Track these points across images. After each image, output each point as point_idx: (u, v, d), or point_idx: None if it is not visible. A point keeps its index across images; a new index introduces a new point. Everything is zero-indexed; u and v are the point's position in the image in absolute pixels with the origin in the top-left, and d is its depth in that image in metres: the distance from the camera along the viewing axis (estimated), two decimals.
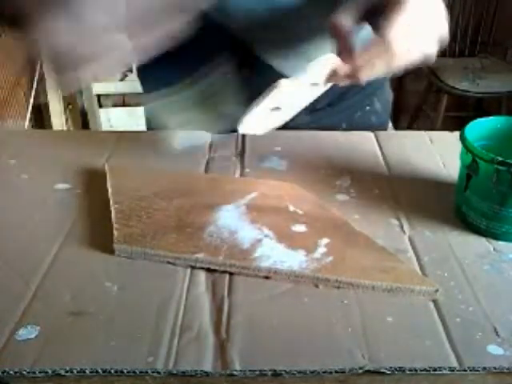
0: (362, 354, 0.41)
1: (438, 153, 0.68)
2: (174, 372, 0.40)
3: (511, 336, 0.43)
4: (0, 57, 1.57)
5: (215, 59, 0.64)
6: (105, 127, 2.43)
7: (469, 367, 0.40)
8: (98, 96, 2.46)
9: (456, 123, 1.87)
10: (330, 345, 0.42)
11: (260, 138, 0.71)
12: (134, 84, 2.33)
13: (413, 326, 0.44)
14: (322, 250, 0.51)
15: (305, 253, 0.50)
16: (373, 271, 0.49)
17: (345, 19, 0.53)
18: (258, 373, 0.40)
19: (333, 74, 0.54)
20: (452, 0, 2.18)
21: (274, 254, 0.50)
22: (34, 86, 2.29)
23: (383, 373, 0.40)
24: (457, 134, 0.56)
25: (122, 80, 2.39)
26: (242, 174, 0.65)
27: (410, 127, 2.38)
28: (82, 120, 2.40)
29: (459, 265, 0.51)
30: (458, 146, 0.55)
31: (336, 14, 0.53)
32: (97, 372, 0.40)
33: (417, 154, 0.68)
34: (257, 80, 0.58)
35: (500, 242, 0.53)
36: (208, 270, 0.49)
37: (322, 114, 0.77)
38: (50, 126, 2.04)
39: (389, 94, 0.86)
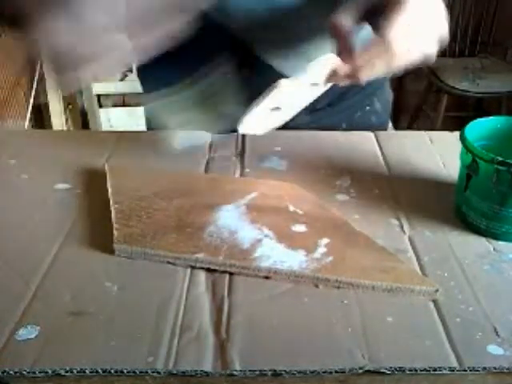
0: (362, 354, 0.41)
1: (438, 153, 0.68)
2: (174, 372, 0.40)
3: (511, 336, 0.43)
4: (0, 57, 1.57)
5: (215, 59, 0.64)
6: (105, 127, 2.43)
7: (469, 367, 0.40)
8: (98, 96, 2.46)
9: (456, 123, 1.87)
10: (329, 345, 0.42)
11: (260, 137, 0.71)
12: (134, 84, 2.33)
13: (413, 326, 0.44)
14: (321, 249, 0.51)
15: (305, 253, 0.50)
16: (373, 271, 0.49)
17: (345, 19, 0.53)
18: (258, 373, 0.40)
19: (333, 74, 0.53)
20: (452, 0, 2.18)
21: (274, 254, 0.50)
22: (34, 86, 2.29)
23: (383, 373, 0.40)
24: (457, 134, 0.56)
25: (121, 80, 2.39)
26: (242, 174, 0.65)
27: (409, 127, 2.38)
28: (82, 120, 2.40)
29: (459, 265, 0.51)
30: (458, 146, 0.55)
31: (336, 13, 0.53)
32: (97, 372, 0.40)
33: (417, 154, 0.68)
34: (257, 80, 0.58)
35: (500, 242, 0.53)
36: (208, 270, 0.49)
37: (322, 114, 0.77)
38: (50, 126, 2.04)
39: (389, 94, 0.86)
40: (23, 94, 1.79)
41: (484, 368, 0.40)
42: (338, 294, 0.47)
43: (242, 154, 0.68)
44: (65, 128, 2.10)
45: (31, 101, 1.83)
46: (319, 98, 0.63)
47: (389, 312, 0.45)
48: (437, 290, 0.47)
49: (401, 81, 2.38)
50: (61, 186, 0.62)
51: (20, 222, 0.56)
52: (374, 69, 0.52)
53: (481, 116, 0.58)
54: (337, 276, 0.48)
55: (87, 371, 0.40)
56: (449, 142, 0.70)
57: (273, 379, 0.40)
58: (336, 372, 0.40)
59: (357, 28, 0.54)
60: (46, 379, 0.40)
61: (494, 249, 0.53)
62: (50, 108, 2.03)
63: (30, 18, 0.47)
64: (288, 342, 0.43)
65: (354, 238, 0.53)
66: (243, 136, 0.72)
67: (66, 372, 0.40)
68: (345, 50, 0.53)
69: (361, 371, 0.40)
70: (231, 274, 0.49)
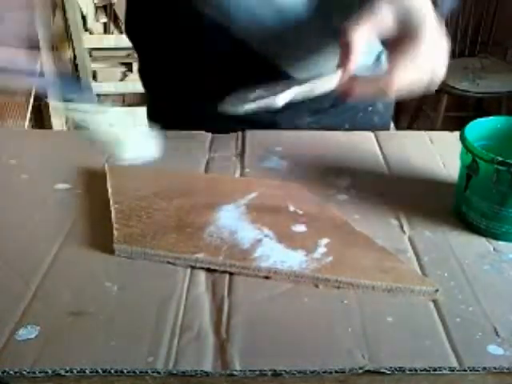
0: (362, 354, 0.41)
1: (438, 153, 0.68)
2: (174, 372, 0.40)
3: (511, 336, 0.43)
4: None
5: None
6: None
7: (469, 367, 0.40)
8: (98, 96, 2.46)
9: (456, 123, 1.86)
10: (330, 345, 0.42)
11: (260, 137, 0.71)
12: (134, 84, 2.33)
13: (413, 326, 0.44)
14: (321, 249, 0.51)
15: (305, 253, 0.50)
16: (373, 271, 0.49)
17: (355, 37, 0.54)
18: (257, 373, 0.40)
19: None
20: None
21: (274, 254, 0.50)
22: None
23: (383, 373, 0.40)
24: (457, 134, 0.56)
25: (121, 80, 2.40)
26: (242, 174, 0.65)
27: (410, 127, 2.38)
28: None
29: (459, 265, 0.51)
30: (458, 146, 0.55)
31: (348, 29, 0.54)
32: (97, 372, 0.40)
33: (417, 154, 0.68)
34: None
35: (500, 242, 0.53)
36: (208, 270, 0.49)
37: (324, 115, 0.77)
38: (49, 126, 2.04)
39: None
40: (23, 94, 1.79)
41: (484, 368, 0.40)
42: (338, 294, 0.47)
43: (242, 154, 0.68)
44: (65, 128, 2.10)
45: (31, 101, 1.83)
46: (322, 99, 0.63)
47: (389, 312, 0.45)
48: (437, 290, 0.47)
49: None
50: (61, 185, 0.62)
51: (20, 222, 0.56)
52: (368, 93, 0.57)
53: (481, 116, 0.58)
54: (337, 276, 0.48)
55: (87, 371, 0.40)
56: (449, 142, 0.69)
57: (273, 379, 0.40)
58: (336, 372, 0.40)
59: (369, 47, 0.55)
60: (45, 379, 0.40)
61: (494, 249, 0.53)
62: (50, 108, 2.03)
63: None
64: (288, 341, 0.43)
65: (354, 238, 0.53)
66: (243, 136, 0.72)
67: (66, 372, 0.40)
68: (344, 68, 0.55)
69: (361, 371, 0.40)
70: (231, 273, 0.49)
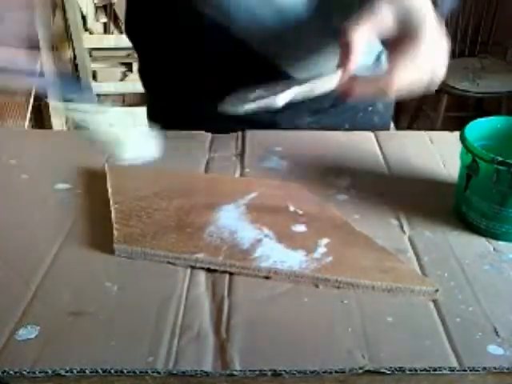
0: (362, 354, 0.41)
1: (438, 153, 0.68)
2: (174, 372, 0.40)
3: (511, 336, 0.43)
4: None
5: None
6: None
7: (469, 367, 0.40)
8: (98, 96, 2.46)
9: (456, 123, 1.87)
10: (330, 345, 0.42)
11: (260, 137, 0.71)
12: (134, 84, 2.33)
13: (413, 326, 0.44)
14: (321, 249, 0.51)
15: (305, 253, 0.50)
16: (373, 271, 0.49)
17: (355, 37, 0.54)
18: (257, 373, 0.40)
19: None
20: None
21: (274, 254, 0.50)
22: None
23: (383, 373, 0.40)
24: (457, 133, 0.56)
25: (121, 80, 2.40)
26: (242, 174, 0.65)
27: (410, 127, 2.38)
28: None
29: (459, 265, 0.51)
30: (458, 146, 0.55)
31: (348, 29, 0.54)
32: (97, 372, 0.40)
33: (417, 154, 0.68)
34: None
35: (500, 242, 0.53)
36: (208, 270, 0.49)
37: (324, 115, 0.77)
38: (49, 126, 2.04)
39: None
40: (23, 94, 1.79)
41: (484, 368, 0.40)
42: (338, 294, 0.47)
43: (242, 154, 0.68)
44: (65, 128, 2.10)
45: (31, 101, 1.83)
46: (322, 99, 0.63)
47: (389, 312, 0.45)
48: (437, 290, 0.47)
49: None
50: (61, 186, 0.62)
51: (20, 222, 0.56)
52: (368, 93, 0.57)
53: (481, 116, 0.58)
54: (337, 276, 0.48)
55: (87, 371, 0.40)
56: (449, 142, 0.69)
57: (273, 379, 0.40)
58: (336, 372, 0.40)
59: (369, 47, 0.55)
60: (45, 379, 0.40)
61: (494, 249, 0.53)
62: (50, 108, 2.03)
63: None
64: (288, 341, 0.43)
65: (354, 238, 0.53)
66: (243, 136, 0.72)
67: (66, 372, 0.40)
68: (344, 68, 0.55)
69: (361, 371, 0.40)
70: (231, 273, 0.49)
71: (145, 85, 0.85)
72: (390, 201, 0.59)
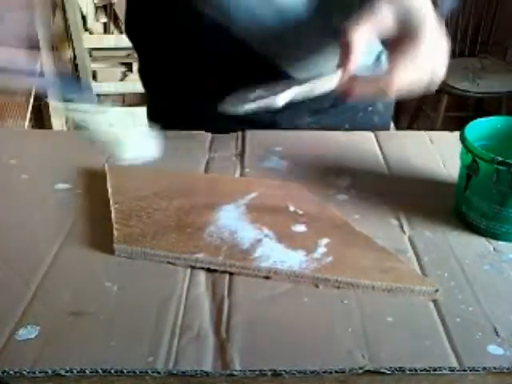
0: (362, 354, 0.41)
1: (438, 153, 0.68)
2: (174, 372, 0.40)
3: (511, 336, 0.43)
4: None
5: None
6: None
7: (469, 367, 0.40)
8: (98, 96, 2.46)
9: (456, 123, 1.87)
10: (330, 345, 0.42)
11: (260, 137, 0.71)
12: (134, 84, 2.33)
13: (413, 326, 0.44)
14: (321, 249, 0.51)
15: (305, 253, 0.50)
16: (373, 271, 0.49)
17: (355, 37, 0.54)
18: (257, 373, 0.40)
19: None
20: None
21: (274, 254, 0.50)
22: None
23: (383, 373, 0.40)
24: (457, 133, 0.56)
25: (121, 80, 2.40)
26: (242, 174, 0.65)
27: (410, 127, 2.38)
28: None
29: (459, 265, 0.51)
30: (458, 146, 0.55)
31: (348, 29, 0.54)
32: (97, 372, 0.40)
33: (417, 154, 0.68)
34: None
35: (500, 242, 0.53)
36: (208, 270, 0.49)
37: (324, 115, 0.77)
38: (49, 126, 2.04)
39: None
40: (23, 94, 1.80)
41: (484, 368, 0.40)
42: (338, 294, 0.47)
43: (242, 154, 0.68)
44: (65, 128, 2.10)
45: (31, 101, 1.83)
46: (322, 99, 0.63)
47: (389, 312, 0.45)
48: (437, 290, 0.47)
49: None
50: (61, 186, 0.62)
51: (20, 222, 0.56)
52: (368, 93, 0.57)
53: (481, 116, 0.58)
54: (337, 276, 0.48)
55: (87, 371, 0.40)
56: (449, 142, 0.69)
57: (273, 379, 0.40)
58: (336, 372, 0.40)
59: (369, 46, 0.55)
60: (45, 379, 0.40)
61: (494, 249, 0.53)
62: (50, 108, 2.03)
63: None
64: (288, 341, 0.43)
65: (354, 238, 0.53)
66: (243, 136, 0.72)
67: (66, 372, 0.40)
68: (344, 68, 0.55)
69: (361, 371, 0.40)
70: (231, 273, 0.49)
71: (145, 85, 0.85)
72: (390, 201, 0.59)
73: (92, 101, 0.62)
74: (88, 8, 2.22)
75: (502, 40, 2.35)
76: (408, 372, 0.40)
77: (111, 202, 0.57)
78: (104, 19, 2.27)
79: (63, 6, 2.18)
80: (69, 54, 2.33)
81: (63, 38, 2.29)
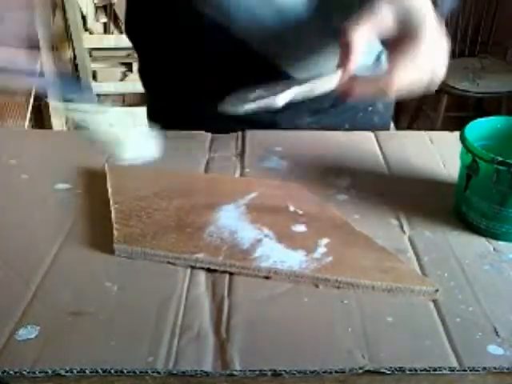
0: (362, 354, 0.41)
1: (438, 153, 0.68)
2: (174, 372, 0.40)
3: (511, 336, 0.43)
4: None
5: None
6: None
7: (469, 367, 0.40)
8: (98, 96, 2.46)
9: (456, 123, 1.87)
10: (330, 345, 0.42)
11: (260, 137, 0.71)
12: (134, 84, 2.33)
13: (413, 326, 0.44)
14: (321, 250, 0.51)
15: (305, 253, 0.50)
16: (373, 271, 0.49)
17: (355, 36, 0.53)
18: (257, 373, 0.40)
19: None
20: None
21: (274, 254, 0.50)
22: None
23: (383, 373, 0.40)
24: (457, 133, 0.56)
25: (121, 80, 2.40)
26: (242, 174, 0.65)
27: (410, 127, 2.38)
28: None
29: (459, 265, 0.51)
30: (458, 146, 0.55)
31: (348, 29, 0.53)
32: (97, 372, 0.40)
33: (417, 154, 0.68)
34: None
35: (500, 242, 0.53)
36: (208, 270, 0.49)
37: (324, 115, 0.77)
38: (49, 126, 2.04)
39: None
40: (23, 94, 1.80)
41: (484, 368, 0.40)
42: (338, 294, 0.47)
43: (242, 154, 0.68)
44: (65, 128, 2.10)
45: (31, 101, 1.83)
46: (322, 99, 0.63)
47: (389, 312, 0.45)
48: (437, 290, 0.47)
49: None
50: (61, 185, 0.62)
51: (20, 222, 0.56)
52: (368, 93, 0.57)
53: (481, 116, 0.58)
54: (337, 276, 0.48)
55: (87, 371, 0.40)
56: (449, 142, 0.69)
57: (273, 379, 0.40)
58: (336, 372, 0.40)
59: (369, 46, 0.55)
60: (45, 379, 0.40)
61: (494, 249, 0.53)
62: (50, 108, 2.03)
63: None
64: (288, 341, 0.43)
65: (354, 238, 0.53)
66: (243, 136, 0.72)
67: (66, 372, 0.40)
68: (344, 68, 0.55)
69: (361, 371, 0.40)
70: (231, 273, 0.49)
71: (145, 85, 0.85)
72: (390, 201, 0.59)
73: (92, 101, 0.62)
74: (88, 8, 2.23)
75: (502, 40, 2.35)
76: (408, 372, 0.40)
77: (111, 202, 0.57)
78: (104, 19, 2.27)
79: (63, 5, 2.18)
80: (69, 53, 2.33)
81: (63, 38, 2.29)
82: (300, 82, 0.57)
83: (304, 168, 0.65)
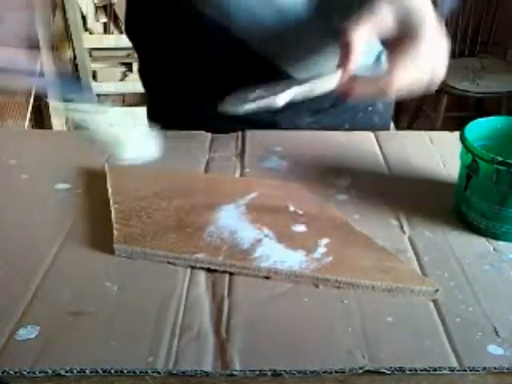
0: (362, 354, 0.41)
1: (438, 153, 0.68)
2: (174, 372, 0.40)
3: (511, 336, 0.43)
4: None
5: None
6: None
7: (469, 367, 0.40)
8: (98, 96, 2.46)
9: (456, 123, 1.87)
10: (330, 345, 0.42)
11: (260, 137, 0.71)
12: (134, 84, 2.33)
13: (413, 326, 0.44)
14: (321, 250, 0.51)
15: (305, 253, 0.50)
16: (373, 271, 0.49)
17: (355, 36, 0.53)
18: (257, 373, 0.40)
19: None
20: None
21: (274, 254, 0.50)
22: None
23: (383, 373, 0.40)
24: (457, 133, 0.56)
25: (121, 80, 2.40)
26: (242, 174, 0.65)
27: (410, 127, 2.38)
28: None
29: (459, 265, 0.51)
30: (458, 146, 0.55)
31: (348, 29, 0.53)
32: (97, 372, 0.40)
33: (417, 154, 0.68)
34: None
35: (500, 242, 0.53)
36: (208, 270, 0.49)
37: (324, 115, 0.77)
38: (49, 126, 2.04)
39: None
40: (23, 94, 1.80)
41: (484, 368, 0.40)
42: (338, 294, 0.47)
43: (242, 154, 0.68)
44: (65, 128, 2.10)
45: (31, 101, 1.83)
46: (322, 99, 0.63)
47: (389, 312, 0.45)
48: (437, 290, 0.47)
49: None
50: (61, 186, 0.62)
51: (20, 222, 0.56)
52: (368, 93, 0.57)
53: (481, 116, 0.58)
54: (337, 276, 0.48)
55: (87, 371, 0.40)
56: (449, 142, 0.69)
57: (273, 379, 0.40)
58: (336, 372, 0.40)
59: (368, 47, 0.55)
60: (46, 379, 0.40)
61: (494, 249, 0.53)
62: (50, 108, 2.03)
63: None
64: (288, 341, 0.43)
65: (354, 238, 0.53)
66: (243, 136, 0.72)
67: (66, 372, 0.40)
68: (344, 68, 0.55)
69: (361, 371, 0.40)
70: (231, 273, 0.49)
71: (145, 85, 0.85)
72: (390, 201, 0.59)
73: (92, 101, 0.62)
74: (88, 8, 2.23)
75: (502, 40, 2.35)
76: (408, 372, 0.40)
77: (111, 202, 0.57)
78: (104, 19, 2.27)
79: (63, 5, 2.18)
80: (69, 53, 2.33)
81: (63, 37, 2.29)
82: (300, 82, 0.57)
83: (304, 168, 0.65)
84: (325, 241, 0.52)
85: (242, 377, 0.40)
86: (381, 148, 0.70)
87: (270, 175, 0.63)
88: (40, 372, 0.40)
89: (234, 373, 0.40)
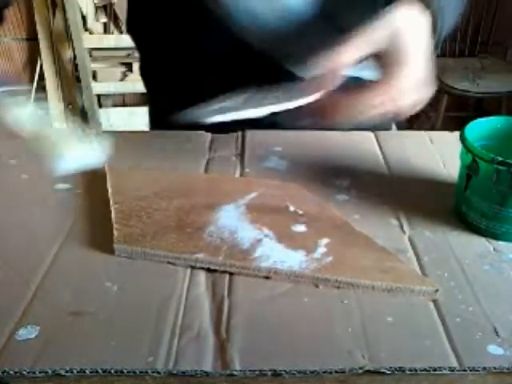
0: (362, 354, 0.41)
1: (438, 153, 0.68)
2: (174, 372, 0.40)
3: (511, 336, 0.43)
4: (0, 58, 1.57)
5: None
6: (105, 127, 2.43)
7: (469, 367, 0.40)
8: (98, 96, 2.46)
9: (456, 123, 1.87)
10: (330, 345, 0.42)
11: (260, 137, 0.71)
12: (134, 84, 2.33)
13: (413, 326, 0.44)
14: (321, 249, 0.51)
15: (305, 253, 0.50)
16: (373, 271, 0.49)
17: (345, 54, 0.53)
18: (257, 373, 0.40)
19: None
20: None
21: (274, 254, 0.50)
22: (34, 85, 2.29)
23: (383, 373, 0.40)
24: (457, 134, 0.56)
25: (121, 80, 2.40)
26: (242, 174, 0.65)
27: (410, 127, 2.38)
28: (81, 120, 2.41)
29: (459, 265, 0.51)
30: (458, 146, 0.55)
31: (339, 48, 0.53)
32: (97, 372, 0.40)
33: (417, 154, 0.68)
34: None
35: (500, 242, 0.53)
36: (208, 270, 0.49)
37: None
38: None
39: None
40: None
41: (484, 368, 0.40)
42: (338, 294, 0.47)
43: (242, 154, 0.68)
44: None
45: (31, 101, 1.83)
46: None
47: (389, 312, 0.45)
48: (437, 290, 0.47)
49: None
50: (61, 186, 0.62)
51: (20, 222, 0.56)
52: (369, 107, 0.54)
53: (481, 116, 0.58)
54: (337, 276, 0.48)
55: (87, 371, 0.40)
56: (449, 142, 0.70)
57: (273, 379, 0.40)
58: (336, 372, 0.40)
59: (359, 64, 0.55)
60: (45, 379, 0.40)
61: (494, 249, 0.53)
62: (50, 108, 2.03)
63: None
64: (288, 341, 0.43)
65: (354, 238, 0.53)
66: (243, 136, 0.72)
67: (66, 372, 0.40)
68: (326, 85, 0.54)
69: (361, 371, 0.40)
70: (231, 273, 0.49)
71: (146, 84, 0.85)
72: (389, 201, 0.59)
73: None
74: (88, 8, 2.23)
75: (502, 40, 2.35)
76: (408, 372, 0.40)
77: (111, 202, 0.57)
78: (104, 19, 2.27)
79: (63, 5, 2.18)
80: (69, 53, 2.33)
81: (63, 38, 2.29)
82: (272, 97, 0.57)
83: (304, 168, 0.65)
84: (325, 241, 0.52)
85: (242, 377, 0.40)
86: (381, 148, 0.70)
87: (269, 175, 0.63)
88: (40, 372, 0.40)
89: (234, 373, 0.40)
